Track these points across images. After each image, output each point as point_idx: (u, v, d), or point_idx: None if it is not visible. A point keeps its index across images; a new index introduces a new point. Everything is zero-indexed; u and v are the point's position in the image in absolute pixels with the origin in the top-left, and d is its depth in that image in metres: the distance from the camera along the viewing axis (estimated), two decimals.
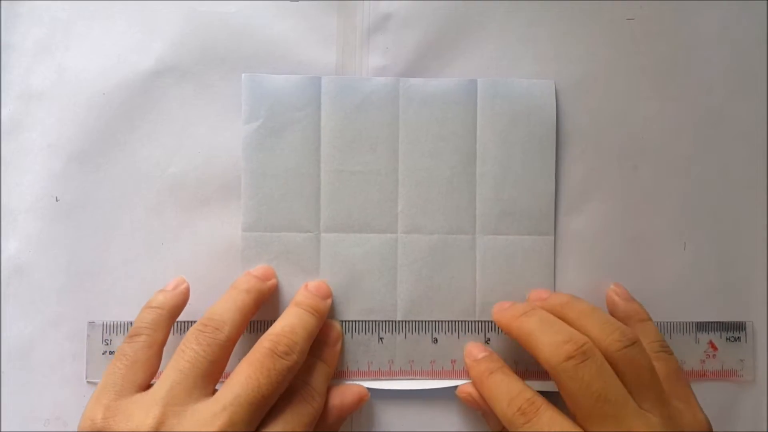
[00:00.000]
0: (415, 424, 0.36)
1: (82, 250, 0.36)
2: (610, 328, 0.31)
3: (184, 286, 0.34)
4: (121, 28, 0.36)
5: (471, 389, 0.35)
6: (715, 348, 0.37)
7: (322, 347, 0.35)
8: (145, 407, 0.29)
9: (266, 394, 0.30)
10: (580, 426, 0.30)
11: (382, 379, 0.36)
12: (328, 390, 0.34)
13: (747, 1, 0.38)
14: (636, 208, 0.38)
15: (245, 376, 0.30)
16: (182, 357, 0.30)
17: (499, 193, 0.37)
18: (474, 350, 0.35)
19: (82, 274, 0.36)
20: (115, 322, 0.36)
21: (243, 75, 0.36)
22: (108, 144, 0.36)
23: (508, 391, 0.32)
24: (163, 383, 0.30)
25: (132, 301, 0.33)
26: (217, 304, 0.33)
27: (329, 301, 0.36)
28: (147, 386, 0.31)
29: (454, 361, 0.36)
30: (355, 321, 0.36)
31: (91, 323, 0.36)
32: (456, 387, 0.36)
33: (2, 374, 0.35)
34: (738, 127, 0.38)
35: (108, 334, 0.36)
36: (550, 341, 0.31)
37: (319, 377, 0.33)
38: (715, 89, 0.38)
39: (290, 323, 0.33)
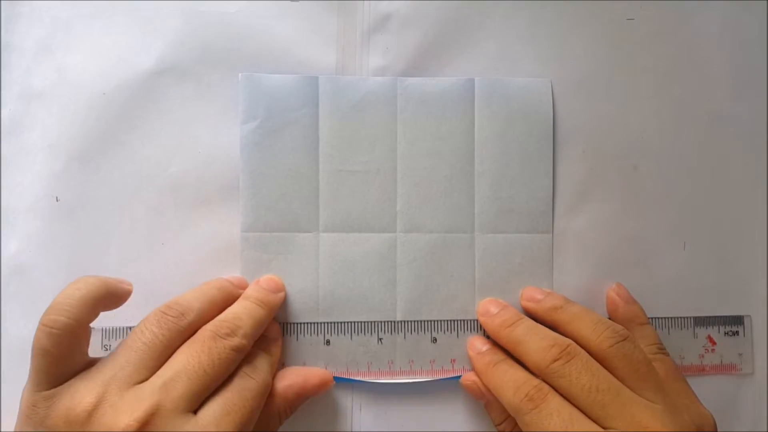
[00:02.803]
0: (416, 423, 0.36)
1: (82, 250, 0.36)
2: (601, 327, 0.33)
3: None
4: (121, 28, 0.36)
5: (475, 377, 0.35)
6: (713, 342, 0.37)
7: (264, 340, 0.34)
8: (90, 384, 0.28)
9: (208, 371, 0.29)
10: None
11: (382, 380, 0.36)
12: (289, 370, 0.34)
13: (747, 1, 0.38)
14: (636, 208, 0.38)
15: (186, 355, 0.29)
16: (139, 338, 0.30)
17: (498, 191, 0.37)
18: (477, 343, 0.36)
19: (82, 274, 0.35)
20: (115, 328, 0.35)
21: (240, 75, 0.36)
22: (108, 144, 0.36)
23: (514, 380, 0.32)
24: (113, 361, 0.29)
25: (132, 301, 0.32)
26: (188, 291, 0.33)
27: (281, 294, 0.35)
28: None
29: (454, 360, 0.36)
30: (355, 322, 0.36)
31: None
32: (458, 380, 0.36)
33: (2, 374, 0.35)
34: (738, 127, 0.38)
35: (107, 340, 0.35)
36: (536, 347, 0.32)
37: (261, 360, 0.33)
38: (715, 89, 0.38)
39: (234, 311, 0.32)
